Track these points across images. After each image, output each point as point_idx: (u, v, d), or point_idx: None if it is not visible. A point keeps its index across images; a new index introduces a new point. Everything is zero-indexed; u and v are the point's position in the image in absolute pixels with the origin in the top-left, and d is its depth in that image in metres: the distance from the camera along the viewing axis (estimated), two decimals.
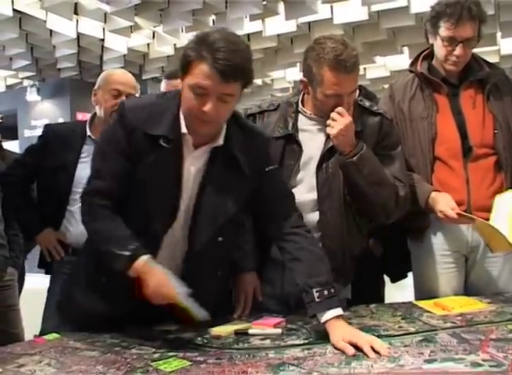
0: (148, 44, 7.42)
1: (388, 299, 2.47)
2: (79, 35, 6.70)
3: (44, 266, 2.76)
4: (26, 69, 8.47)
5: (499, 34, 6.82)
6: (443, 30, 2.10)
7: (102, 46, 7.11)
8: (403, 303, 2.06)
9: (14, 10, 5.82)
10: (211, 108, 1.58)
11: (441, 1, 2.14)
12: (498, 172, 2.18)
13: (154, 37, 7.12)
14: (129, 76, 2.66)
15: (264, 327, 1.77)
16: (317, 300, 1.65)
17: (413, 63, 2.33)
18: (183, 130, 1.69)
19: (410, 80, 2.30)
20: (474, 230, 2.14)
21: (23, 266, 3.21)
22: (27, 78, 9.15)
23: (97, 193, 1.72)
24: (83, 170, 2.39)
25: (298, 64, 8.29)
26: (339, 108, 1.92)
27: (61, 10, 5.91)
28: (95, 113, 2.65)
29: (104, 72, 2.75)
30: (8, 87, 9.55)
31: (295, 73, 8.88)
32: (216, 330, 1.76)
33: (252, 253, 2.08)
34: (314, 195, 2.03)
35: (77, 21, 6.46)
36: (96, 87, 2.66)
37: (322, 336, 1.64)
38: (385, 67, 8.49)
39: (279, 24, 6.51)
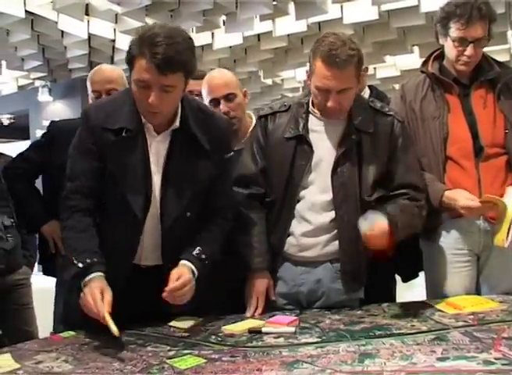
0: None
1: (398, 298, 2.48)
2: (90, 36, 6.73)
3: (44, 262, 2.80)
4: (37, 70, 8.52)
5: (509, 33, 6.79)
6: (454, 30, 2.11)
7: (113, 47, 7.14)
8: (415, 302, 2.07)
9: (26, 12, 5.86)
10: (154, 99, 1.70)
11: (450, 2, 2.14)
12: (509, 171, 2.18)
13: None
14: (104, 71, 2.69)
15: (278, 326, 1.79)
16: (194, 254, 1.88)
17: (424, 64, 2.33)
18: (143, 119, 1.82)
19: (421, 80, 2.30)
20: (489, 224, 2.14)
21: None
22: (39, 79, 9.20)
23: (72, 194, 1.84)
24: None
25: (308, 64, 8.31)
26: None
27: (72, 11, 5.94)
28: None
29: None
30: (20, 87, 9.62)
31: (305, 73, 8.90)
32: (230, 329, 1.79)
33: (265, 252, 2.10)
34: (327, 196, 2.04)
35: (88, 22, 6.49)
36: (88, 92, 2.72)
37: (335, 334, 1.66)
38: (395, 67, 8.47)
39: (289, 24, 6.51)
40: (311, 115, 2.09)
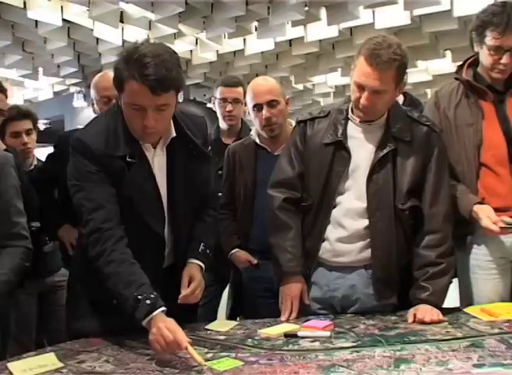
0: (191, 51, 7.54)
1: None
2: (124, 42, 6.86)
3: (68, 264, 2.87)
4: (73, 76, 8.71)
5: None
6: (489, 39, 2.10)
7: None
8: (450, 308, 2.07)
9: (63, 20, 6.01)
10: (150, 121, 1.70)
11: (486, 10, 2.14)
12: None
13: (197, 43, 7.24)
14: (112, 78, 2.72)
15: (313, 330, 1.81)
16: (200, 251, 1.96)
17: (458, 70, 2.33)
18: (139, 140, 1.81)
19: (455, 87, 2.30)
20: None
21: None
22: (74, 85, 9.39)
23: (103, 223, 1.74)
24: None
25: (339, 69, 8.32)
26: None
27: (107, 19, 6.07)
28: None
29: (92, 81, 2.80)
30: (55, 93, 9.83)
31: (336, 78, 8.90)
32: (266, 332, 1.82)
33: (299, 256, 2.13)
34: (362, 203, 2.06)
35: (123, 29, 6.62)
36: (92, 96, 2.75)
37: (370, 339, 1.68)
38: (427, 71, 8.44)
39: (321, 30, 6.54)
40: (350, 121, 2.11)
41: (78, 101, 9.42)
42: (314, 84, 9.73)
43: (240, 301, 2.81)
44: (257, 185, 2.64)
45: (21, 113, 2.86)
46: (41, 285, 2.80)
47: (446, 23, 6.18)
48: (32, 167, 2.97)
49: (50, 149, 3.00)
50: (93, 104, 2.74)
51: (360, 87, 1.98)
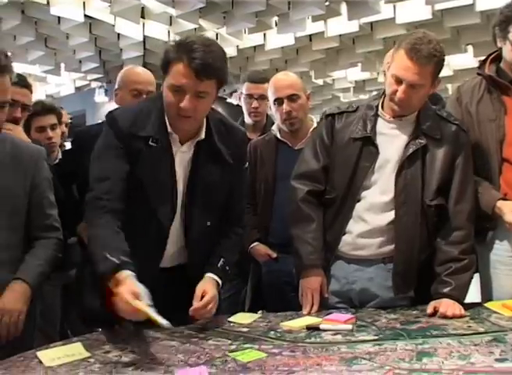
0: None
1: None
2: (145, 38, 6.91)
3: None
4: (94, 72, 8.80)
5: None
6: None
7: None
8: (471, 304, 2.07)
9: (85, 16, 6.07)
10: (187, 103, 1.73)
11: (510, 5, 2.12)
12: None
13: (217, 38, 7.25)
14: (147, 74, 2.72)
15: (335, 323, 1.83)
16: (218, 266, 1.94)
17: (481, 66, 2.33)
18: (169, 129, 1.84)
19: (477, 82, 2.30)
20: None
21: None
22: (95, 80, 9.49)
23: (104, 194, 1.78)
24: None
25: (359, 64, 8.29)
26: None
27: (129, 14, 6.13)
28: None
29: (122, 71, 2.80)
30: (77, 88, 9.94)
31: (356, 73, 8.88)
32: (288, 325, 1.85)
33: (320, 249, 2.14)
34: (386, 197, 2.07)
35: (144, 25, 6.67)
36: (116, 86, 2.74)
37: (392, 333, 1.69)
38: (448, 66, 8.36)
39: (341, 24, 6.53)
40: (379, 117, 2.12)
41: (99, 97, 9.50)
42: (334, 79, 9.72)
43: (260, 295, 2.83)
44: (277, 180, 2.68)
45: (46, 108, 2.90)
46: (65, 277, 2.84)
47: (468, 17, 6.14)
48: (56, 161, 3.01)
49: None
50: (116, 94, 2.74)
51: (398, 81, 1.99)
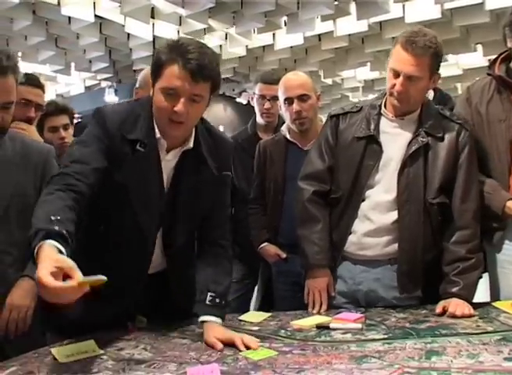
0: (221, 46, 7.59)
1: None
2: (155, 38, 6.94)
3: None
4: (104, 71, 8.84)
5: None
6: None
7: None
8: (480, 303, 2.08)
9: (95, 16, 6.11)
10: (181, 107, 1.65)
11: None
12: None
13: (226, 38, 7.30)
14: None
15: (345, 322, 1.85)
16: (207, 302, 1.77)
17: (491, 66, 2.33)
18: (157, 134, 1.74)
19: (487, 82, 2.30)
20: None
21: None
22: (105, 80, 9.53)
23: (79, 175, 1.62)
24: None
25: (369, 64, 8.29)
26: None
27: (138, 14, 6.16)
28: None
29: (144, 71, 2.80)
30: (87, 88, 9.99)
31: (365, 73, 8.88)
32: (298, 324, 1.86)
33: (327, 249, 2.16)
34: (390, 196, 2.09)
35: (153, 25, 6.71)
36: (137, 85, 2.76)
37: (401, 332, 1.71)
38: (457, 65, 8.36)
39: (351, 24, 6.54)
40: (382, 116, 2.15)
41: (109, 96, 9.57)
42: (343, 79, 9.73)
43: (269, 295, 2.85)
44: (286, 180, 2.69)
45: (58, 108, 2.93)
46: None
47: (478, 16, 6.13)
48: None
49: None
50: (136, 93, 2.76)
51: (396, 74, 2.02)
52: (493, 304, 2.09)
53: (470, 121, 2.20)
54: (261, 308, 2.85)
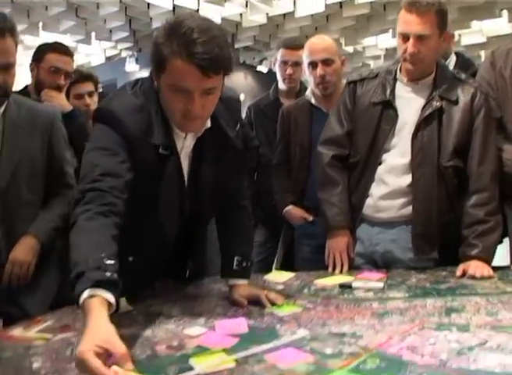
0: (241, 14, 7.53)
1: None
2: (175, 7, 6.91)
3: None
4: (124, 41, 8.84)
5: None
6: None
7: None
8: (500, 267, 2.10)
9: None
10: (196, 107, 1.47)
11: None
12: None
13: (247, 6, 7.23)
14: None
15: (367, 281, 1.90)
16: (234, 267, 1.77)
17: None
18: (176, 130, 1.61)
19: None
20: None
21: None
22: (126, 49, 9.53)
23: (115, 190, 1.45)
24: None
25: (390, 31, 8.17)
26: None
27: None
28: None
29: None
30: (107, 58, 10.00)
31: (387, 41, 8.76)
32: (321, 283, 1.92)
33: (346, 211, 2.22)
34: (405, 160, 2.12)
35: None
36: None
37: (422, 291, 1.76)
38: (481, 32, 8.20)
39: None
40: (398, 81, 2.17)
41: (130, 66, 9.57)
42: (364, 47, 9.61)
43: (290, 259, 2.89)
44: (312, 144, 2.71)
45: (83, 76, 2.97)
46: None
47: None
48: None
49: None
50: None
51: (405, 37, 2.05)
52: None
53: (493, 85, 2.21)
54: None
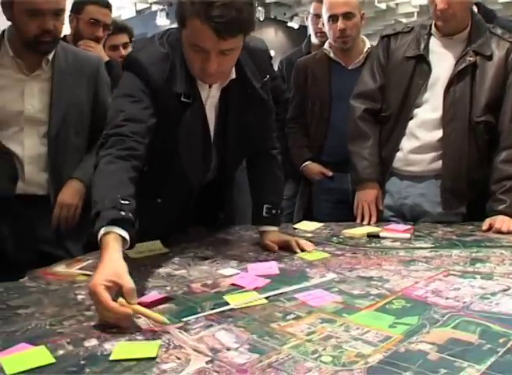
0: None
1: None
2: None
3: None
4: None
5: None
6: None
7: None
8: None
9: None
10: (212, 66, 1.53)
11: None
12: None
13: None
14: None
15: (394, 232, 1.96)
16: (264, 215, 1.84)
17: None
18: (198, 81, 1.66)
19: None
20: None
21: None
22: (156, 3, 9.50)
23: (137, 135, 1.53)
24: None
25: None
26: None
27: None
28: None
29: None
30: (138, 12, 9.99)
31: None
32: (349, 232, 1.98)
33: (376, 164, 2.26)
34: (437, 115, 2.13)
35: None
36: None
37: (448, 243, 1.81)
38: None
39: None
40: (432, 36, 2.17)
41: (161, 19, 9.56)
42: (397, 3, 9.44)
43: (307, 215, 2.92)
44: (332, 99, 2.72)
45: (118, 27, 3.00)
46: None
47: None
48: None
49: None
50: None
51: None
52: None
53: None
54: None
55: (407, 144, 2.19)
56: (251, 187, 1.95)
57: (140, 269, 1.56)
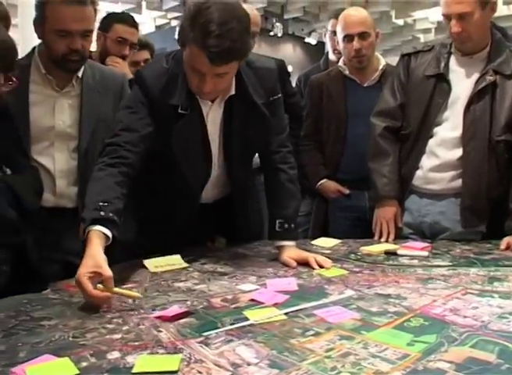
0: None
1: None
2: None
3: None
4: (174, 10, 8.91)
5: None
6: None
7: None
8: None
9: None
10: (207, 87, 1.65)
11: None
12: None
13: None
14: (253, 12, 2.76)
15: (412, 250, 1.96)
16: (277, 229, 1.88)
17: None
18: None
19: None
20: None
21: None
22: (176, 18, 9.61)
23: (128, 145, 1.69)
24: None
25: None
26: None
27: None
28: None
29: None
30: (157, 27, 10.11)
31: (438, 14, 8.58)
32: (367, 249, 1.99)
33: (395, 181, 2.26)
34: (457, 133, 2.14)
35: None
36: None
37: (466, 261, 1.81)
38: None
39: None
40: (452, 55, 2.19)
41: None
42: (415, 20, 9.45)
43: (323, 232, 2.90)
44: (348, 116, 2.72)
45: (140, 44, 3.05)
46: None
47: None
48: None
49: None
50: None
51: (448, 18, 2.07)
52: None
53: None
54: None
55: (426, 162, 2.20)
56: (267, 202, 1.99)
57: (161, 283, 1.59)
